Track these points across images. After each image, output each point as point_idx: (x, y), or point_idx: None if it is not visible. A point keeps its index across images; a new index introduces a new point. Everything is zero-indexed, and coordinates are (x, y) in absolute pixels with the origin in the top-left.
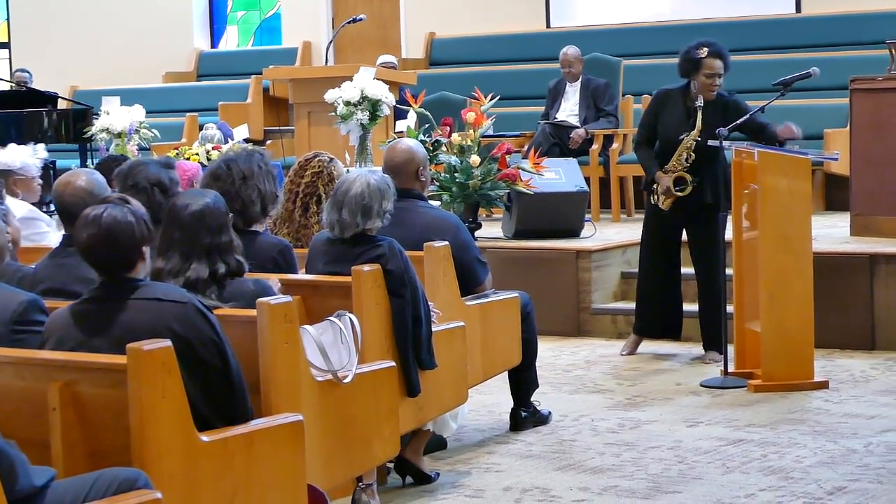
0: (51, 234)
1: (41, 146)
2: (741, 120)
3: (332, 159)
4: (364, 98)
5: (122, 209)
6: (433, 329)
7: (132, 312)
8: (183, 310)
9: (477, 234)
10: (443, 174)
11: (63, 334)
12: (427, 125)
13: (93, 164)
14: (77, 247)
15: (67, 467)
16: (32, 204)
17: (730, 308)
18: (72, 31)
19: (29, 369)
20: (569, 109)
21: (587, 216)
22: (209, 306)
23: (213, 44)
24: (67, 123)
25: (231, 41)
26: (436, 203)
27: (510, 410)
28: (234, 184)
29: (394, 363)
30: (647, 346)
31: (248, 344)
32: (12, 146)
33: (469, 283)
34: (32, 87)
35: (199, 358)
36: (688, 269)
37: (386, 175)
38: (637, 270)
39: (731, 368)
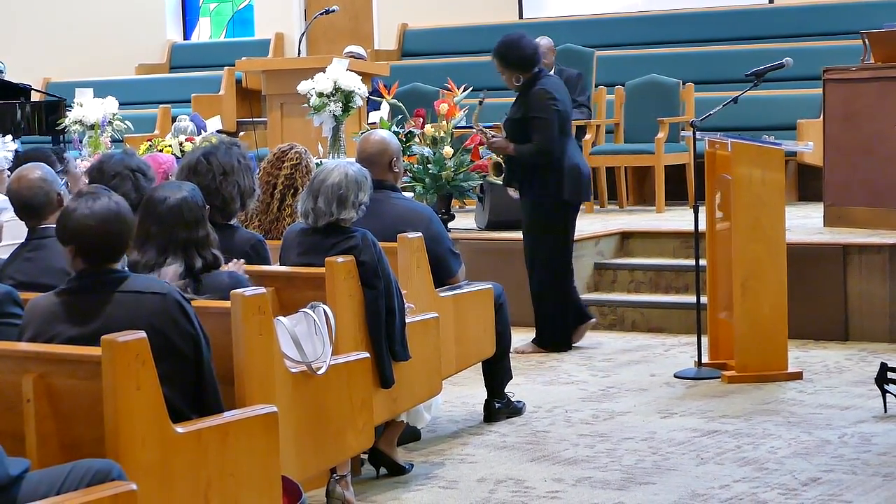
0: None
1: (9, 138)
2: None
3: (305, 151)
4: (337, 89)
5: (117, 199)
6: (406, 320)
7: (113, 305)
8: (162, 302)
9: (450, 225)
10: (416, 165)
11: (42, 324)
12: (400, 116)
13: None
14: (71, 234)
15: (41, 459)
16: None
17: (703, 299)
18: (44, 22)
19: (3, 361)
20: None
21: None
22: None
23: (186, 35)
24: (40, 115)
25: (203, 33)
26: (409, 194)
27: (484, 402)
28: (214, 179)
29: (367, 354)
30: (619, 337)
31: (223, 335)
32: None
33: (442, 274)
34: (5, 78)
35: (177, 350)
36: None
37: (364, 167)
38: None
39: (704, 359)
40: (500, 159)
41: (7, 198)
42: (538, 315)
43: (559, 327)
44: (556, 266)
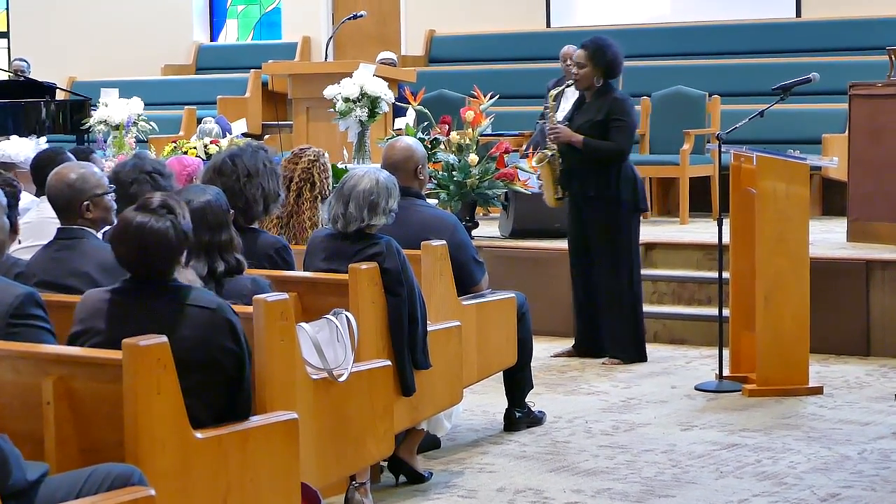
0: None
1: (43, 139)
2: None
3: (322, 151)
4: (363, 95)
5: (164, 220)
6: (429, 329)
7: (161, 312)
8: (211, 317)
9: (474, 233)
10: (441, 172)
11: (88, 318)
12: (426, 123)
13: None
14: (137, 245)
15: (60, 462)
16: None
17: (726, 312)
18: (71, 22)
19: (23, 363)
20: (567, 109)
21: None
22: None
23: (213, 37)
24: (65, 114)
25: (231, 35)
26: (433, 201)
27: (504, 411)
28: (238, 181)
29: (389, 362)
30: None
31: None
32: (15, 139)
33: (465, 282)
34: (30, 76)
35: (215, 365)
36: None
37: (392, 175)
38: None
39: (726, 372)
40: (551, 152)
41: (33, 198)
42: (611, 325)
43: (634, 338)
44: (631, 272)
